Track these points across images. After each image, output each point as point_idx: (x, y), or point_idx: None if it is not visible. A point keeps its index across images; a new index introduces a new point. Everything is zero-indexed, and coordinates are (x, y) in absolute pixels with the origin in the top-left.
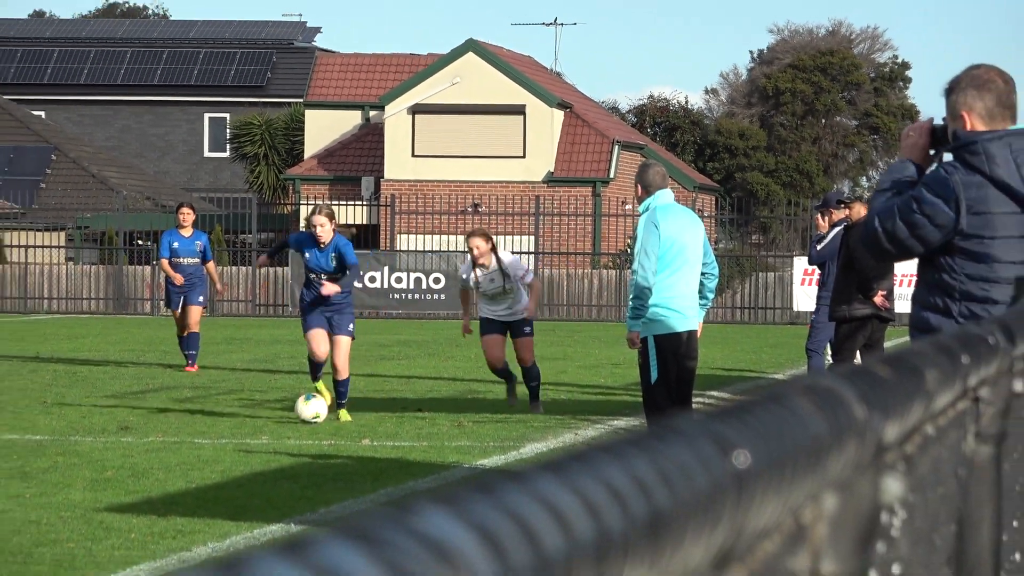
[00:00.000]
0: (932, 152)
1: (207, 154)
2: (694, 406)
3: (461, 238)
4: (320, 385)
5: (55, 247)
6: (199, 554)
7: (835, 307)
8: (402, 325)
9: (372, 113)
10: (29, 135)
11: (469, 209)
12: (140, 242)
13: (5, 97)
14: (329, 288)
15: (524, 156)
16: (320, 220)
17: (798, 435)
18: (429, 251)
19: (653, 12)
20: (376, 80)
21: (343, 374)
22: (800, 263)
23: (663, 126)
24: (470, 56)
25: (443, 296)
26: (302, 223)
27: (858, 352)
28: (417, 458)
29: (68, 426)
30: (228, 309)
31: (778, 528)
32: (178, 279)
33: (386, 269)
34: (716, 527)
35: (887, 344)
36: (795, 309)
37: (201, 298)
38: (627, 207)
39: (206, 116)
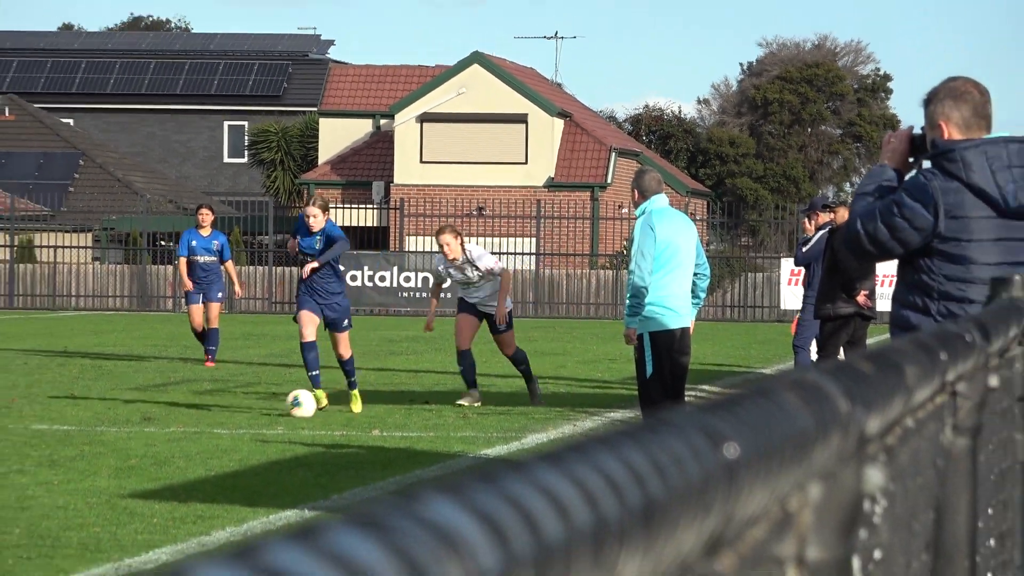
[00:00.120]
0: (911, 159)
1: (226, 160)
2: (687, 399)
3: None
4: (319, 393)
5: (82, 247)
6: (217, 538)
7: (820, 306)
8: (411, 322)
9: (383, 121)
10: (58, 142)
11: (474, 212)
12: (163, 243)
13: (36, 105)
14: (309, 267)
15: (526, 162)
16: (312, 212)
17: (785, 427)
18: (436, 252)
19: (649, 26)
20: (386, 90)
21: (345, 356)
22: (787, 264)
23: (658, 134)
24: (475, 68)
25: (449, 294)
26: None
27: (841, 348)
28: (424, 448)
29: (94, 417)
30: (246, 306)
31: (766, 515)
32: (187, 284)
33: (395, 269)
34: (707, 514)
35: (869, 341)
36: (782, 307)
37: (220, 295)
38: (623, 211)
39: (225, 124)
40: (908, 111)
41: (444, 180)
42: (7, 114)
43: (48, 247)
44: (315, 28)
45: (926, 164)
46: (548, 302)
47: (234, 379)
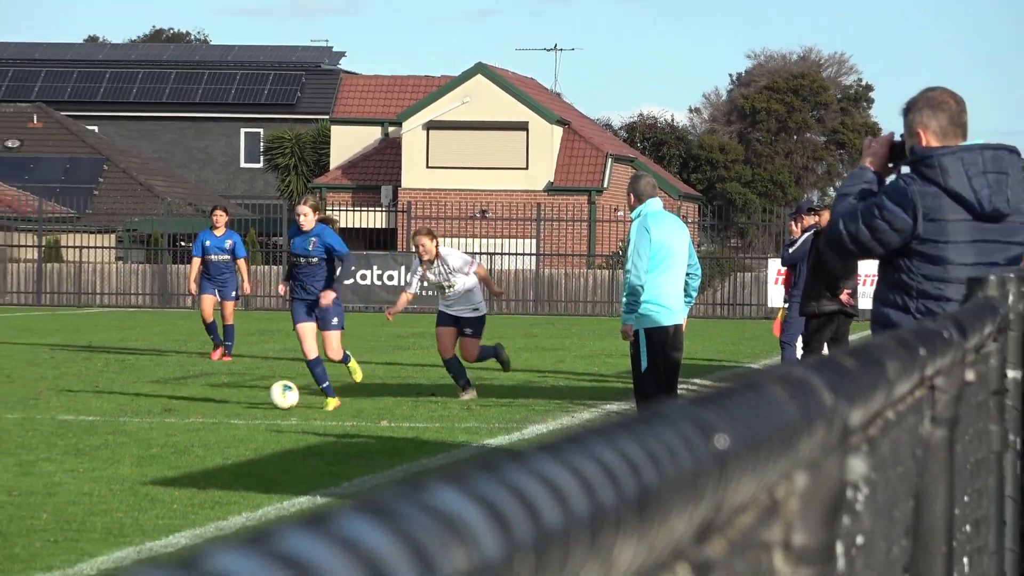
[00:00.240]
0: (891, 165)
1: (243, 165)
2: (679, 393)
3: (471, 241)
4: (332, 401)
5: (106, 248)
6: (234, 523)
7: (805, 304)
8: (417, 319)
9: (391, 129)
10: (84, 147)
11: (478, 215)
12: (183, 243)
13: (62, 113)
14: (327, 297)
15: (527, 167)
16: (303, 210)
17: (773, 419)
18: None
19: (644, 39)
20: (394, 99)
21: (335, 359)
22: (774, 264)
23: (652, 141)
24: (479, 78)
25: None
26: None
27: (825, 344)
28: (430, 438)
29: (117, 408)
30: (261, 304)
31: (754, 503)
32: (192, 288)
33: (403, 268)
34: (699, 502)
35: (852, 337)
36: (769, 305)
37: (234, 293)
38: (619, 214)
39: (242, 131)
40: (889, 119)
41: (449, 184)
42: (35, 122)
43: (74, 247)
44: (327, 40)
45: (905, 169)
46: (548, 300)
47: (250, 373)
